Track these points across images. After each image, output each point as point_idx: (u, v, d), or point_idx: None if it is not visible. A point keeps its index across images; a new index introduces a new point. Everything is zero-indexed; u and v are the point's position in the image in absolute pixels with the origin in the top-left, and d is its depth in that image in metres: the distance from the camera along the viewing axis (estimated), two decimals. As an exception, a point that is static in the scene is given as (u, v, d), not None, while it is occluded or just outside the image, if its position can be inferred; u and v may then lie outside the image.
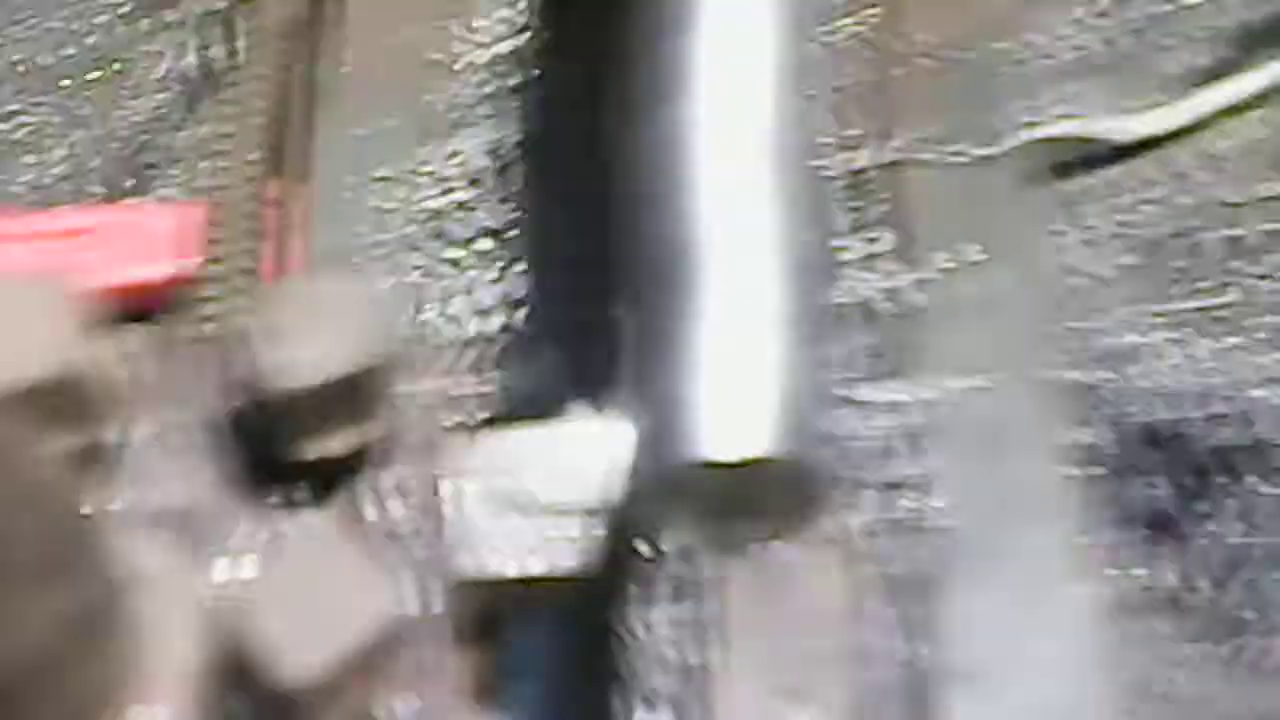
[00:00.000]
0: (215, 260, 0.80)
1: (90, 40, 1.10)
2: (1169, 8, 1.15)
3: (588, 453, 0.49)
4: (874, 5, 0.79)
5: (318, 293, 0.47)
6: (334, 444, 0.48)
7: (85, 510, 0.41)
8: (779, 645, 0.61)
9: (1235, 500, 0.88)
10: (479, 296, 0.73)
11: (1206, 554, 0.89)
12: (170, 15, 1.12)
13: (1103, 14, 1.15)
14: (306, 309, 0.46)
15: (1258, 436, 0.89)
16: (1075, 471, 0.73)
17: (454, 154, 0.78)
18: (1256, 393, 0.92)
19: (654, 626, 0.61)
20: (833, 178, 0.74)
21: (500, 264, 0.73)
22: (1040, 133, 1.03)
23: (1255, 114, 1.09)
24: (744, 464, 0.46)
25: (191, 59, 1.08)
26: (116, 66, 1.09)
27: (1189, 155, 1.10)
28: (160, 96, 1.09)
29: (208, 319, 0.78)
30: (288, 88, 0.88)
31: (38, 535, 0.38)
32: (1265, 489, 0.89)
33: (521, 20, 0.80)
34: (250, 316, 0.46)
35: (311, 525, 0.45)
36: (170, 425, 0.49)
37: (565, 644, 0.60)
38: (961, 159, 0.74)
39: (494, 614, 0.52)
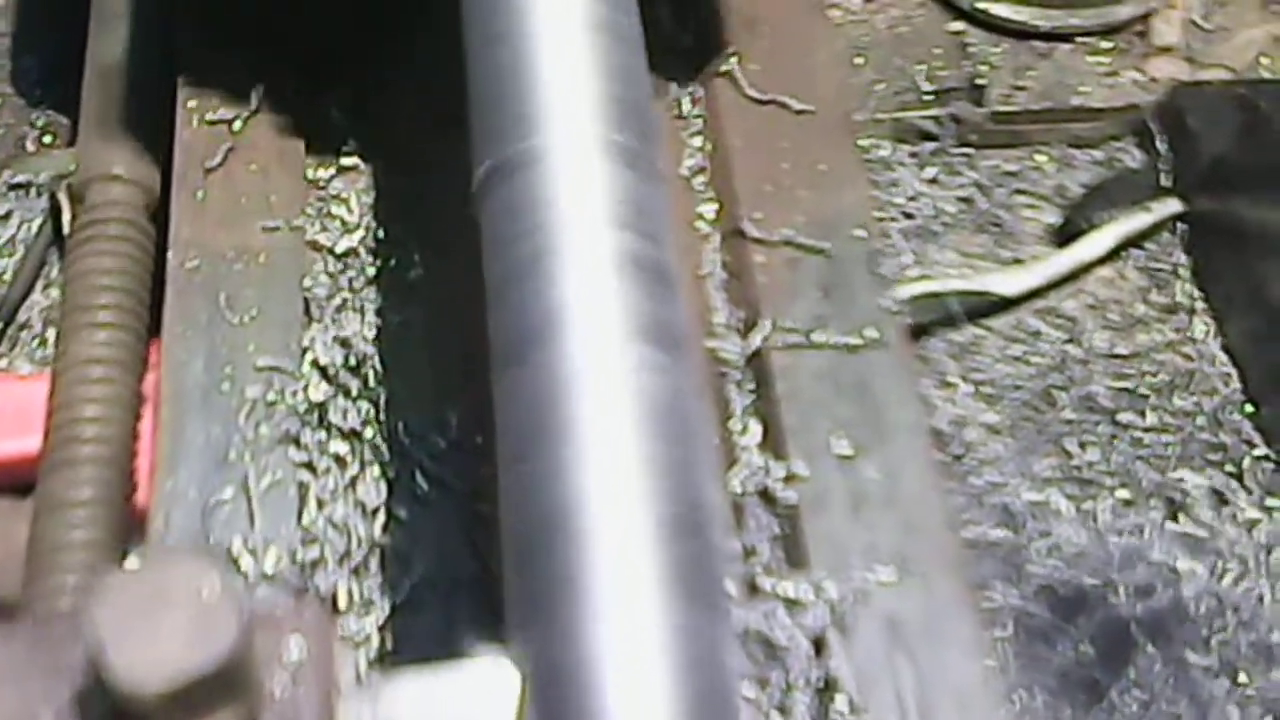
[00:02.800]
0: (86, 441, 0.77)
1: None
2: (1017, 167, 1.19)
3: (485, 705, 0.47)
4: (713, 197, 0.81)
5: (162, 579, 0.44)
6: None
7: None
8: None
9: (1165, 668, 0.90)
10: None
11: None
12: (17, 177, 1.09)
13: (955, 172, 1.19)
14: (152, 596, 0.43)
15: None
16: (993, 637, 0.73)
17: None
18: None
19: None
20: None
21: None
22: (923, 288, 1.05)
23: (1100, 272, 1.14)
24: None
25: (40, 222, 1.05)
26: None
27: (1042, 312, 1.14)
28: (7, 261, 1.06)
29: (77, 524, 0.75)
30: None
31: None
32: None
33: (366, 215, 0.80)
34: (95, 607, 0.43)
35: None
36: (17, 709, 0.46)
37: None
38: (827, 346, 0.74)
39: None
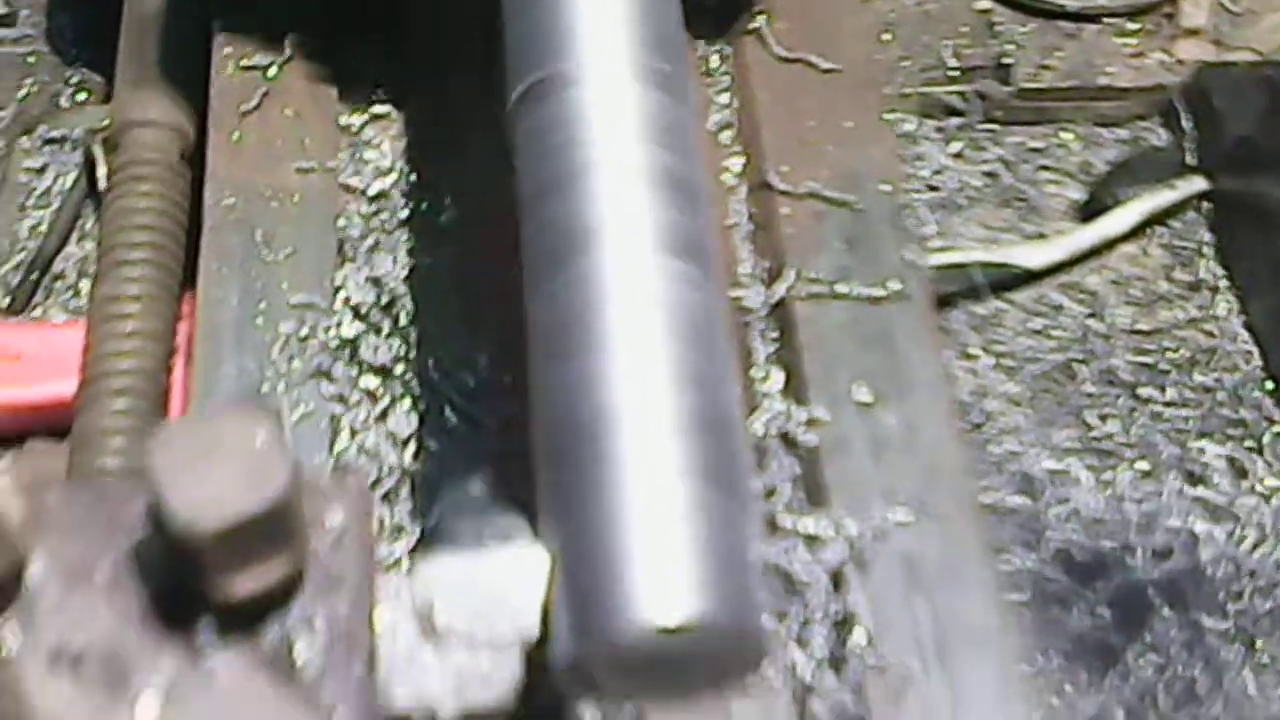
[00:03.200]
0: (120, 374, 0.79)
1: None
2: (1042, 144, 1.21)
3: (518, 585, 0.48)
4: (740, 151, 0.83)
5: (218, 428, 0.46)
6: (248, 582, 0.46)
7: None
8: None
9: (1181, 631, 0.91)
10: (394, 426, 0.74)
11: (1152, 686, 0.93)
12: (52, 131, 1.12)
13: (980, 148, 1.21)
14: (208, 446, 0.45)
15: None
16: (1010, 600, 0.74)
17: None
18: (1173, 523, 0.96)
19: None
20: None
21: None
22: (947, 259, 1.06)
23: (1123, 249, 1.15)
24: (680, 629, 0.44)
25: (74, 176, 1.07)
26: (-3, 183, 1.08)
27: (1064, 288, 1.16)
28: (43, 213, 1.08)
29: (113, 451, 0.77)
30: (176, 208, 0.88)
31: None
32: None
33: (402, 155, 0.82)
34: (152, 454, 0.45)
35: (231, 664, 0.43)
36: (79, 561, 0.48)
37: None
38: (850, 298, 0.75)
39: None
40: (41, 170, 1.10)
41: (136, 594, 0.48)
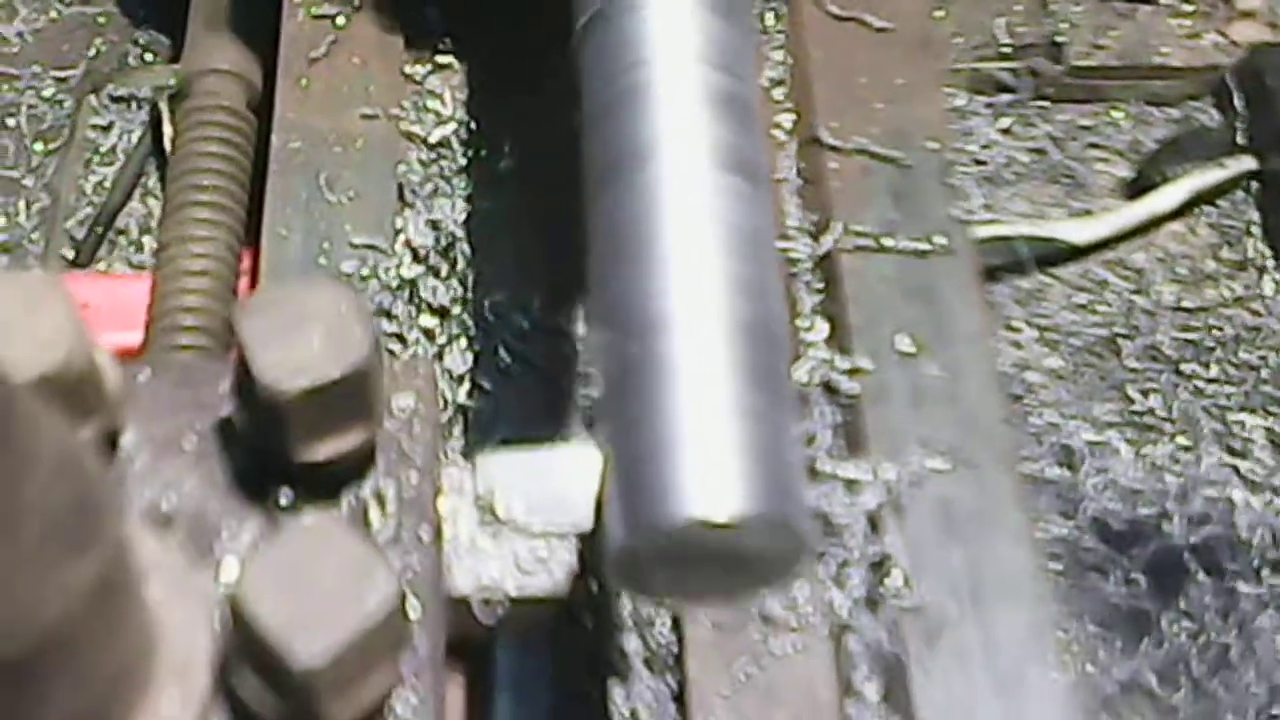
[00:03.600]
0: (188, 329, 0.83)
1: (38, 112, 1.12)
2: (1092, 122, 1.22)
3: (573, 479, 0.51)
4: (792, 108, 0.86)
5: (305, 298, 0.48)
6: (328, 446, 0.49)
7: (106, 481, 0.42)
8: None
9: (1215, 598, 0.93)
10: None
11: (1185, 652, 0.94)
12: (119, 90, 1.15)
13: (1030, 124, 1.22)
14: (294, 314, 0.48)
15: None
16: (1043, 559, 0.75)
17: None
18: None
19: (632, 658, 0.63)
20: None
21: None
22: (993, 231, 1.08)
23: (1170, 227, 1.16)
24: (726, 524, 0.46)
25: (140, 134, 1.11)
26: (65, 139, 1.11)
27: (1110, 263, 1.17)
28: (108, 170, 1.11)
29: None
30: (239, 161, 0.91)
31: (71, 502, 0.39)
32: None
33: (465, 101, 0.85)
34: (241, 321, 0.47)
35: (313, 521, 0.45)
36: (167, 432, 0.50)
37: (550, 666, 0.61)
38: (896, 251, 0.77)
39: (483, 634, 0.54)
40: (108, 128, 1.13)
41: (222, 463, 0.51)
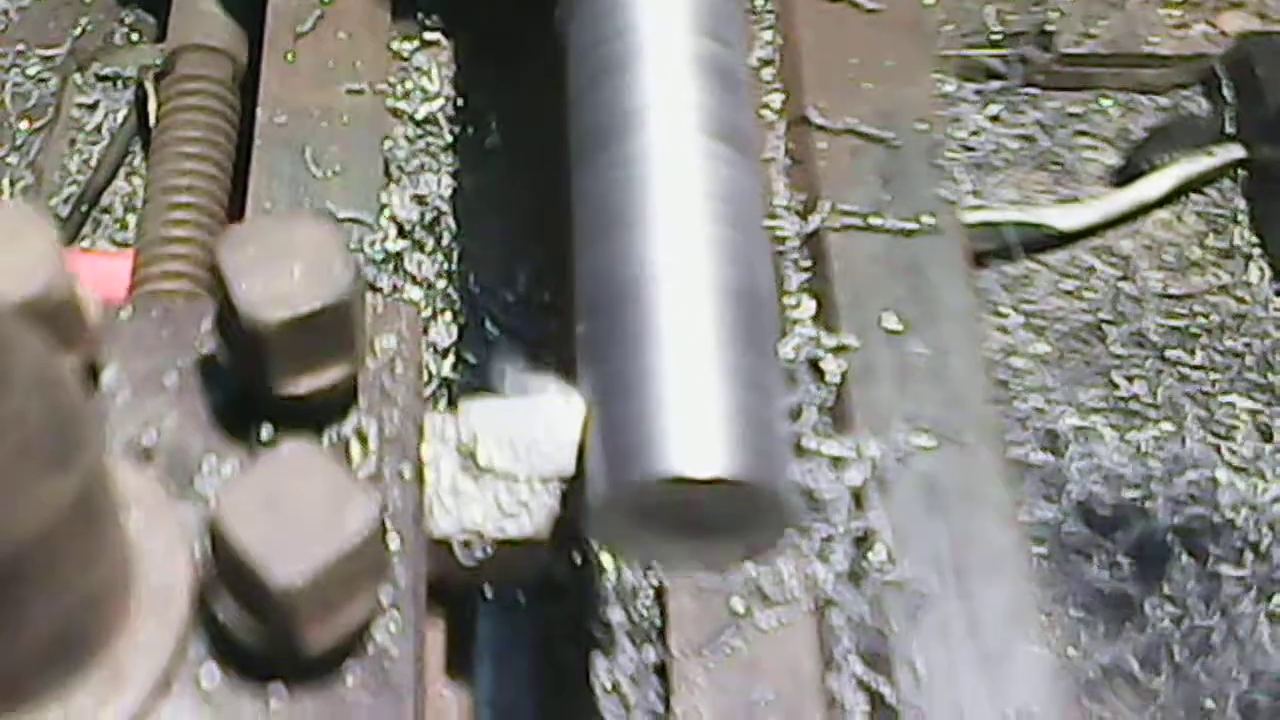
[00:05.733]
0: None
1: (23, 90, 1.12)
2: (1081, 110, 1.22)
3: (556, 426, 0.51)
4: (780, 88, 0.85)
5: (286, 230, 0.49)
6: (309, 379, 0.49)
7: (86, 403, 0.42)
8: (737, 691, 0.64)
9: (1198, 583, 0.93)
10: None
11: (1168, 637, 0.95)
12: (105, 69, 1.15)
13: (1019, 111, 1.22)
14: (276, 246, 0.48)
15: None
16: (1027, 540, 0.76)
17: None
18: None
19: (615, 629, 0.64)
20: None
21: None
22: (981, 216, 1.08)
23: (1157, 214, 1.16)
24: (713, 482, 0.46)
25: (125, 113, 1.10)
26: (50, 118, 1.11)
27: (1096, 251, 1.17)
28: (93, 148, 1.11)
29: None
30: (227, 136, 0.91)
31: (48, 419, 0.39)
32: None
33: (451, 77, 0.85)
34: (222, 252, 0.47)
35: (292, 447, 0.45)
36: (149, 369, 0.50)
37: (532, 633, 0.61)
38: (884, 230, 0.78)
39: (465, 578, 0.54)
40: (93, 107, 1.13)
41: (203, 399, 0.51)
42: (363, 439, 0.50)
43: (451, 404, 0.74)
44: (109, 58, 1.16)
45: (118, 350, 0.51)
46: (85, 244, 1.09)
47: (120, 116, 1.12)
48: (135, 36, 1.18)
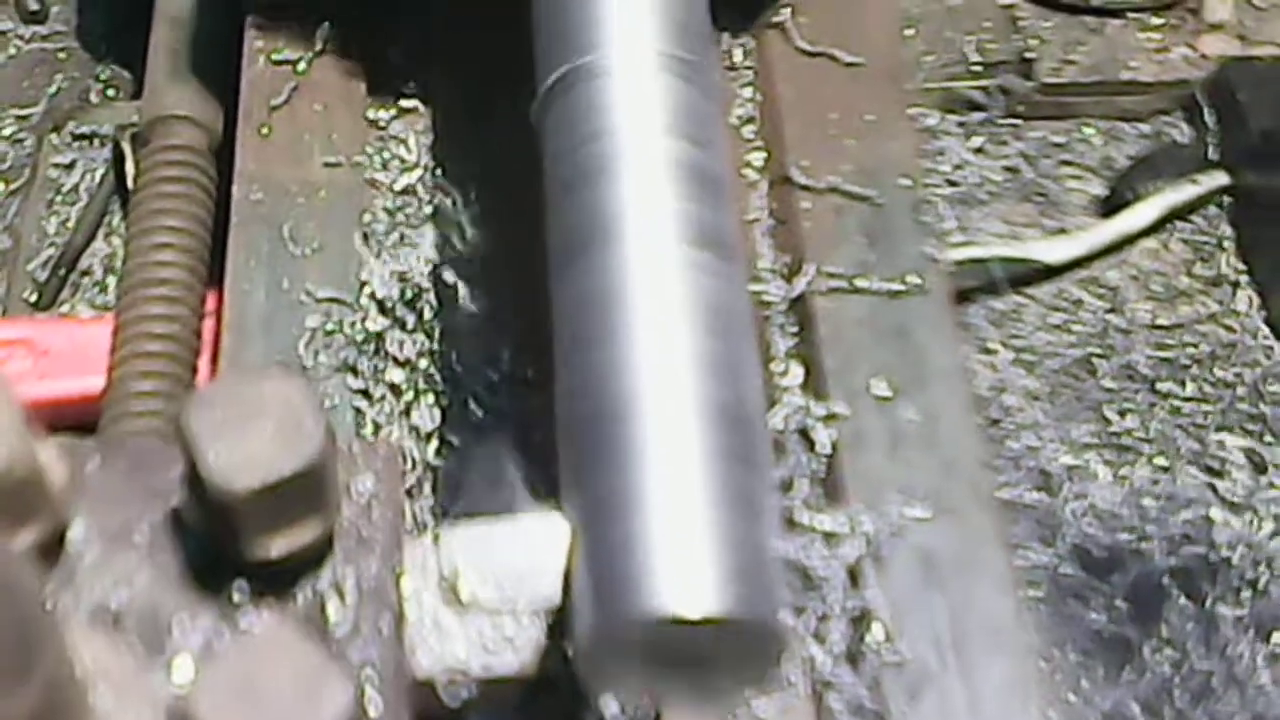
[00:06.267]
0: (149, 374, 0.81)
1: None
2: (1064, 139, 1.21)
3: (540, 554, 0.50)
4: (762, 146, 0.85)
5: (254, 388, 0.48)
6: (282, 543, 0.47)
7: (46, 606, 0.41)
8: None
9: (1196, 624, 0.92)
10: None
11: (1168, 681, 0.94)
12: (81, 127, 1.13)
13: (1002, 142, 1.22)
14: (244, 407, 0.48)
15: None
16: (1025, 596, 0.75)
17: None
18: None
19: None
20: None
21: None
22: (967, 254, 1.07)
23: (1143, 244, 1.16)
24: (701, 621, 0.45)
25: (103, 172, 1.09)
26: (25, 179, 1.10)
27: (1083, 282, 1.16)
28: (71, 209, 1.09)
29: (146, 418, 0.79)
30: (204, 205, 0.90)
31: (6, 631, 0.38)
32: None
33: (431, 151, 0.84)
34: (189, 415, 0.46)
35: (266, 623, 0.44)
36: (118, 524, 0.49)
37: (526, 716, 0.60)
38: (870, 293, 0.77)
39: (450, 716, 0.53)
40: (70, 166, 1.12)
41: (174, 556, 0.50)
42: (340, 593, 0.49)
43: (436, 490, 0.73)
44: (85, 115, 1.15)
45: (86, 504, 0.50)
46: (65, 309, 1.07)
47: (98, 175, 1.11)
48: (111, 92, 1.17)
